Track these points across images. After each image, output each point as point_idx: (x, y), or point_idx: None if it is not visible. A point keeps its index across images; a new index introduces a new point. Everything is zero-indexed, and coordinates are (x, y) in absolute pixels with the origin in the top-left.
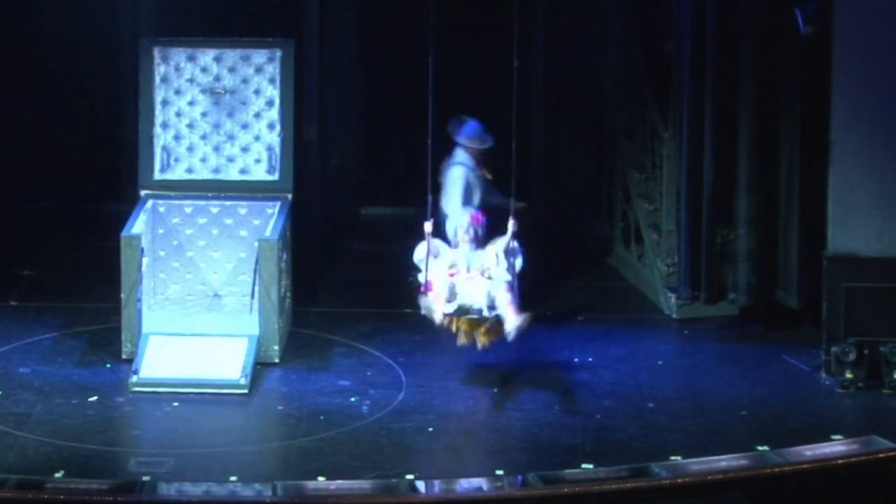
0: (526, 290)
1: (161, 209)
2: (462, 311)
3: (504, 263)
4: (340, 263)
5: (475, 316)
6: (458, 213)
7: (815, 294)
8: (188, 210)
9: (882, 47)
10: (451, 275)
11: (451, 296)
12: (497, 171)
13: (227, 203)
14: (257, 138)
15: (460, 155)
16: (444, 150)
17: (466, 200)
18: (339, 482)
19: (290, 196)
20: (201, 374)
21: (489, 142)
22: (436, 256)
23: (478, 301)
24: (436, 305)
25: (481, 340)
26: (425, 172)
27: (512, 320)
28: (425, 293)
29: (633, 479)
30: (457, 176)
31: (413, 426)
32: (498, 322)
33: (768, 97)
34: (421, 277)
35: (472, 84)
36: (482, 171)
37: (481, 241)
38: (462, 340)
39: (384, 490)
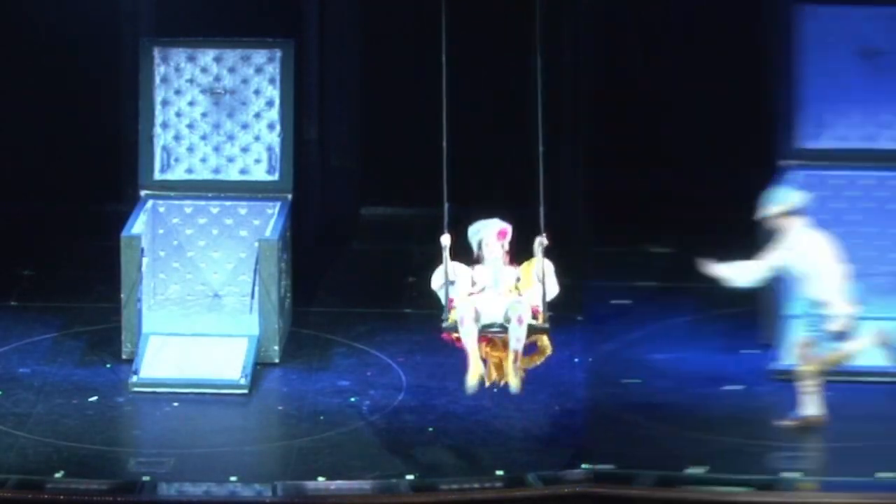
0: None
1: (161, 209)
2: (484, 329)
3: (538, 286)
4: (340, 263)
5: (497, 330)
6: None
7: None
8: (188, 210)
9: None
10: (472, 293)
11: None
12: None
13: (227, 203)
14: (257, 138)
15: None
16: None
17: None
18: (339, 482)
19: (290, 196)
20: (201, 374)
21: None
22: (453, 283)
23: (499, 317)
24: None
25: (513, 382)
26: (429, 173)
27: (515, 342)
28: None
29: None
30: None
31: (413, 426)
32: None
33: None
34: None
35: (477, 86)
36: None
37: (508, 256)
38: (493, 377)
39: (384, 490)
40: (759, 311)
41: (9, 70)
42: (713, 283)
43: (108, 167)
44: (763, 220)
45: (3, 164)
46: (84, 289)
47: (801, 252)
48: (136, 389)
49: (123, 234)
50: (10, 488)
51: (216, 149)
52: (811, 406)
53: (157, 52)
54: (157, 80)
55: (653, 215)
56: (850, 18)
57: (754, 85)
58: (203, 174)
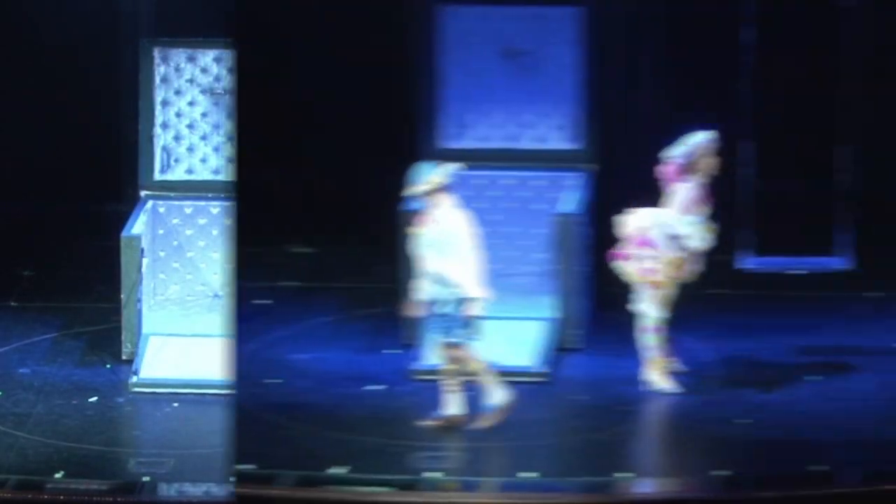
0: None
1: (161, 210)
2: None
3: None
4: None
5: None
6: None
7: None
8: (188, 211)
9: None
10: None
11: None
12: None
13: (228, 204)
14: None
15: None
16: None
17: None
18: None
19: None
20: (201, 374)
21: None
22: None
23: None
24: None
25: None
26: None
27: None
28: None
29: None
30: None
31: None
32: None
33: None
34: None
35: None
36: None
37: None
38: None
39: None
40: (400, 311)
41: (9, 70)
42: (355, 284)
43: (108, 167)
44: (411, 197)
45: (3, 164)
46: (84, 289)
47: (444, 228)
48: (136, 390)
49: (123, 234)
50: (10, 488)
51: (216, 149)
52: (453, 405)
53: (157, 53)
54: (157, 80)
55: (294, 215)
56: (493, 19)
57: (398, 84)
58: (203, 174)
